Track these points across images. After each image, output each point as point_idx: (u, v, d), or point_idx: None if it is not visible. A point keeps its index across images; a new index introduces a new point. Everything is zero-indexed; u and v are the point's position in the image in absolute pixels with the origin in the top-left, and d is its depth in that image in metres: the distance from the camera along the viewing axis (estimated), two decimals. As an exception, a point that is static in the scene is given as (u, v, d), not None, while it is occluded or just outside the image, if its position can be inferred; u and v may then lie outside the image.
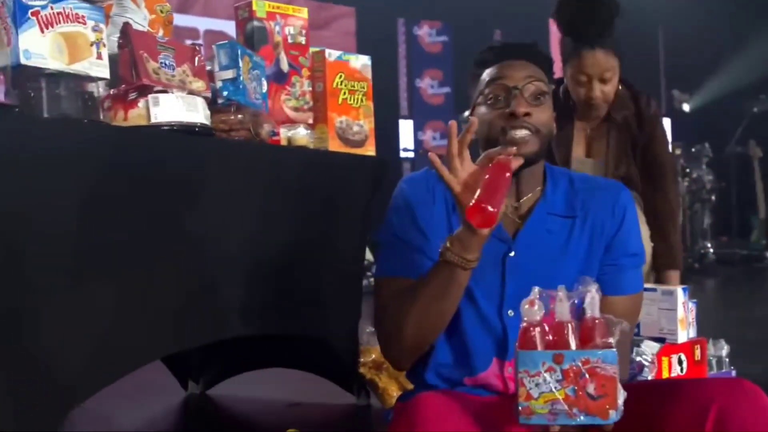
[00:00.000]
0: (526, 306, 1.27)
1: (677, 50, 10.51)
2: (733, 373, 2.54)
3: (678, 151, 8.10)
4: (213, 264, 2.00)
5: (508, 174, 1.36)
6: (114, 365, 1.77)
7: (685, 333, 2.39)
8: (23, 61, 1.64)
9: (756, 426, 1.25)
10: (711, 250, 8.05)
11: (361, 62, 2.69)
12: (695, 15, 9.97)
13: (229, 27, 7.61)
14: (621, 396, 1.24)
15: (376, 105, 2.73)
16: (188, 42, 2.19)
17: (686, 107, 9.36)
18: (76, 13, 1.74)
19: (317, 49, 2.65)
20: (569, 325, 1.26)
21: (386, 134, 2.70)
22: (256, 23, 2.50)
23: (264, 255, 2.16)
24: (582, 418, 1.22)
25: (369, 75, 2.70)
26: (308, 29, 2.61)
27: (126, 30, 1.91)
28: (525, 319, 1.27)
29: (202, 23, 8.22)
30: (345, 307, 2.42)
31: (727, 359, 2.55)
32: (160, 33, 2.15)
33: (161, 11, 2.19)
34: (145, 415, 2.87)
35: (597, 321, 1.26)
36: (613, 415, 1.22)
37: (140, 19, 2.10)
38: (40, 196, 1.58)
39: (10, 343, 1.56)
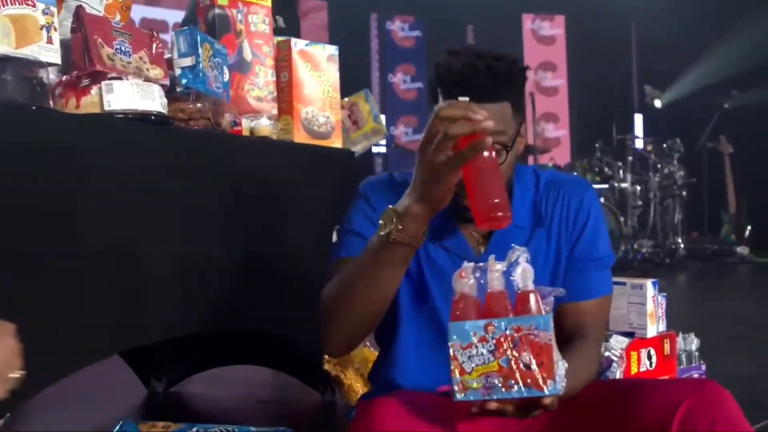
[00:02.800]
0: (457, 278, 1.23)
1: (649, 47, 10.56)
2: (704, 367, 2.52)
3: (650, 147, 8.13)
4: (170, 258, 1.93)
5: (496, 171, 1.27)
6: (64, 360, 1.69)
7: (654, 327, 2.37)
8: (-34, 44, 1.56)
9: (722, 427, 1.23)
10: (682, 245, 8.09)
11: (328, 52, 2.63)
12: (668, 12, 10.04)
13: (199, 19, 7.56)
14: (560, 366, 1.17)
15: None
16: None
17: (658, 103, 9.40)
18: (25, -5, 1.67)
19: (282, 38, 2.59)
20: (502, 295, 1.21)
21: (358, 129, 2.66)
22: (217, 11, 2.42)
23: (224, 249, 2.10)
24: (518, 389, 1.15)
25: (336, 65, 2.64)
26: (272, 18, 2.54)
27: (79, 13, 1.83)
28: (456, 291, 1.23)
29: (172, 16, 8.12)
30: (309, 303, 2.36)
31: (697, 353, 2.53)
32: (117, 18, 2.08)
33: (118, -4, 2.11)
34: (104, 413, 2.80)
35: (530, 292, 1.22)
36: (551, 386, 1.16)
37: (95, 4, 2.02)
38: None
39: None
